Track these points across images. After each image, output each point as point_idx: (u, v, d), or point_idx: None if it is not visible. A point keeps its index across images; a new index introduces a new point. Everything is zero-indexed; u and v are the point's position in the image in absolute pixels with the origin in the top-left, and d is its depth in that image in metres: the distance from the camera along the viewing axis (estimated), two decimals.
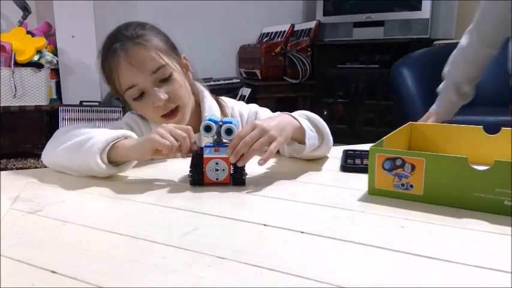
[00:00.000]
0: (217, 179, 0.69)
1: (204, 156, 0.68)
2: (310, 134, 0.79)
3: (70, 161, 0.75)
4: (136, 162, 0.78)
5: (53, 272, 0.42)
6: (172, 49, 0.87)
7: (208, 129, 0.69)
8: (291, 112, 0.82)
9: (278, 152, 0.88)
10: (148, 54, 0.80)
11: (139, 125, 0.90)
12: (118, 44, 0.81)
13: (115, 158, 0.74)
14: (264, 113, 0.95)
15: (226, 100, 0.98)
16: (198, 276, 0.41)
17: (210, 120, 0.69)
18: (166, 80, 0.82)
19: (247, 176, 0.70)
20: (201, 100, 0.92)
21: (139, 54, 0.80)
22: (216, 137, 0.70)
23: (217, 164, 0.68)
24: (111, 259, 0.45)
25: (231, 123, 0.69)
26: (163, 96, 0.81)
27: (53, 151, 0.77)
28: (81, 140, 0.73)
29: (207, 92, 0.95)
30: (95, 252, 0.46)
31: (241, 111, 0.96)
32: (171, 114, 0.84)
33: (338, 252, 0.46)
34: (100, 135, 0.73)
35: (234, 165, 0.69)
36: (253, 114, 0.95)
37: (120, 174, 0.76)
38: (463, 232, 0.51)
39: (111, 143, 0.72)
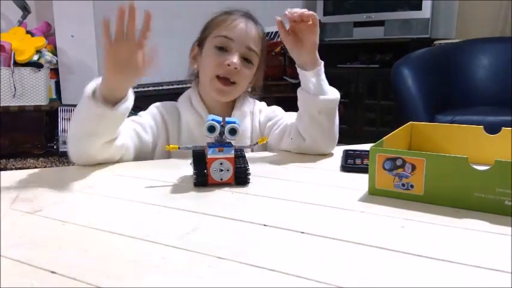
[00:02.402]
0: (221, 179, 0.69)
1: (208, 156, 0.68)
2: (323, 80, 0.87)
3: (78, 125, 0.77)
4: (131, 104, 0.78)
5: (52, 272, 0.42)
6: (264, 53, 0.97)
7: (212, 129, 0.68)
8: (291, 112, 0.91)
9: (279, 151, 0.88)
10: (257, 37, 0.93)
11: (164, 116, 0.94)
12: (243, 13, 0.94)
13: (105, 94, 0.74)
14: (280, 110, 1.03)
15: (258, 103, 1.05)
16: (198, 277, 0.41)
17: (213, 120, 0.69)
18: (247, 61, 0.92)
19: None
20: (242, 95, 0.99)
21: (253, 31, 0.92)
22: (218, 137, 0.70)
23: (221, 164, 0.68)
24: (111, 259, 0.45)
25: (234, 123, 0.69)
26: (237, 61, 0.89)
27: (69, 136, 0.80)
28: (78, 104, 0.77)
29: (260, 102, 1.04)
30: (94, 252, 0.46)
31: (261, 109, 1.03)
32: (225, 80, 0.90)
33: (338, 252, 0.46)
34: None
35: (238, 165, 0.69)
36: (271, 111, 1.02)
37: (120, 174, 0.76)
38: (464, 232, 0.51)
39: (96, 82, 0.75)
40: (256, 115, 1.01)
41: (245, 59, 0.91)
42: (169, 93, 2.24)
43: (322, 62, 0.88)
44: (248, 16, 0.93)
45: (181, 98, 0.98)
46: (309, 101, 0.86)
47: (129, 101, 0.78)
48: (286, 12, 0.82)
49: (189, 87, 1.00)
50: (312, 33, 0.85)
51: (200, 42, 0.96)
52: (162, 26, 2.98)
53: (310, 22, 0.83)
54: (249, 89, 1.00)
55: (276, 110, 1.03)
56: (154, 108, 0.96)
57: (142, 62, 0.73)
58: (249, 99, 1.01)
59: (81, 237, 0.50)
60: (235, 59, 0.89)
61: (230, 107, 0.98)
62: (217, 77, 0.90)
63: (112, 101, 0.75)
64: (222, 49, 0.90)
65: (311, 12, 0.83)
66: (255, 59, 0.93)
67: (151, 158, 0.91)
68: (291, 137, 0.91)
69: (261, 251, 0.47)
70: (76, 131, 0.78)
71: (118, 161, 0.83)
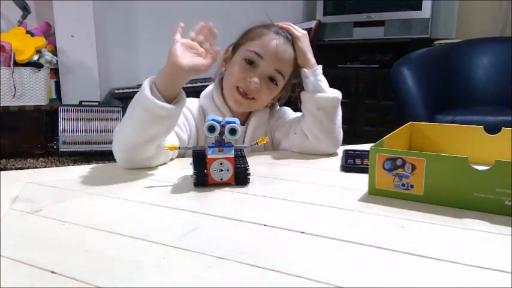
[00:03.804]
0: (221, 179, 0.69)
1: (208, 156, 0.68)
2: (319, 79, 0.92)
3: (132, 125, 0.75)
4: (185, 98, 0.79)
5: (52, 272, 0.42)
6: (296, 75, 0.96)
7: (212, 129, 0.68)
8: (299, 112, 0.97)
9: (280, 151, 0.89)
10: (288, 60, 0.93)
11: (192, 113, 0.95)
12: (284, 33, 0.93)
13: (163, 89, 0.75)
14: (289, 110, 1.06)
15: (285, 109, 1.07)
16: (198, 277, 0.41)
17: (213, 120, 0.69)
18: (272, 81, 0.92)
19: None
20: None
21: (286, 54, 0.92)
22: (218, 137, 0.70)
23: (221, 164, 0.68)
24: (111, 259, 0.45)
25: (234, 123, 0.69)
26: (259, 83, 0.90)
27: (118, 133, 0.78)
28: (132, 101, 0.76)
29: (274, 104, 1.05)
30: (94, 252, 0.46)
31: (274, 110, 1.05)
32: (244, 94, 0.92)
33: (338, 252, 0.46)
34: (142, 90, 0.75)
35: (238, 165, 0.69)
36: (281, 111, 1.05)
37: (120, 174, 0.76)
38: (464, 232, 0.51)
39: (154, 80, 0.75)
40: (270, 117, 1.03)
41: (271, 79, 0.92)
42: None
43: (320, 66, 0.94)
44: (285, 37, 0.93)
45: (204, 96, 0.99)
46: (308, 99, 0.92)
47: (184, 95, 0.79)
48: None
49: (206, 85, 1.02)
50: (297, 41, 0.93)
51: (234, 47, 0.97)
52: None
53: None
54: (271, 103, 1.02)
55: (286, 110, 1.05)
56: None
57: (206, 58, 0.77)
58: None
59: (81, 237, 0.50)
60: (256, 79, 0.90)
61: (248, 111, 0.99)
62: (238, 88, 0.92)
63: (169, 99, 0.75)
64: (251, 63, 0.91)
65: (288, 26, 0.94)
66: (281, 81, 0.94)
67: (182, 156, 0.91)
68: (295, 132, 0.95)
69: (261, 251, 0.47)
70: (136, 138, 0.75)
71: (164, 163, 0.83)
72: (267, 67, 0.91)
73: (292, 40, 0.93)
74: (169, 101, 0.75)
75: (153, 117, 0.74)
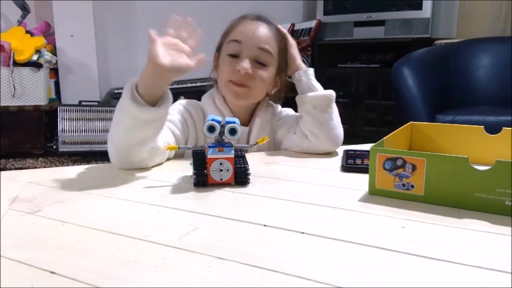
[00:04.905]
0: (221, 179, 0.69)
1: (208, 156, 0.68)
2: (312, 81, 0.94)
3: (120, 129, 0.74)
4: (171, 98, 0.76)
5: (52, 272, 0.42)
6: (284, 57, 0.97)
7: (211, 129, 0.68)
8: (295, 110, 0.98)
9: (280, 151, 0.88)
10: (270, 37, 0.92)
11: (192, 114, 0.95)
12: (255, 16, 0.94)
13: (146, 93, 0.71)
14: (290, 110, 1.05)
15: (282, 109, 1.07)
16: (198, 277, 0.41)
17: (213, 120, 0.69)
18: (261, 64, 0.91)
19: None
20: (263, 102, 1.00)
21: (264, 31, 0.92)
22: (218, 137, 0.69)
23: (221, 164, 0.68)
24: (110, 260, 0.45)
25: (234, 123, 0.69)
26: (247, 66, 0.89)
27: (111, 136, 0.77)
28: (117, 105, 0.75)
29: (275, 105, 1.04)
30: (94, 252, 0.46)
31: (275, 111, 1.04)
32: (239, 84, 0.90)
33: (338, 252, 0.46)
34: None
35: (238, 165, 0.69)
36: (282, 111, 1.05)
37: (120, 174, 0.76)
38: (464, 232, 0.51)
39: (135, 83, 0.72)
40: (272, 117, 1.03)
41: (259, 62, 0.91)
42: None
43: (311, 68, 0.97)
44: (259, 18, 0.93)
45: (205, 98, 0.99)
46: (303, 99, 0.93)
47: (169, 95, 0.75)
48: None
49: (211, 85, 1.02)
50: (291, 47, 0.97)
51: (218, 49, 0.97)
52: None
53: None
54: (272, 92, 1.00)
55: (287, 110, 1.05)
56: (180, 106, 0.95)
57: (190, 58, 0.70)
58: (271, 104, 1.03)
59: (81, 237, 0.50)
60: (245, 63, 0.89)
61: (250, 112, 0.98)
62: (231, 82, 0.91)
63: (154, 100, 0.72)
64: (234, 56, 0.91)
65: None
66: (270, 60, 0.92)
67: (181, 156, 0.91)
68: (294, 132, 0.95)
69: (261, 251, 0.47)
70: (126, 142, 0.75)
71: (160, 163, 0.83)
72: (249, 49, 0.90)
73: (286, 46, 0.96)
74: (153, 103, 0.72)
75: (138, 122, 0.72)
